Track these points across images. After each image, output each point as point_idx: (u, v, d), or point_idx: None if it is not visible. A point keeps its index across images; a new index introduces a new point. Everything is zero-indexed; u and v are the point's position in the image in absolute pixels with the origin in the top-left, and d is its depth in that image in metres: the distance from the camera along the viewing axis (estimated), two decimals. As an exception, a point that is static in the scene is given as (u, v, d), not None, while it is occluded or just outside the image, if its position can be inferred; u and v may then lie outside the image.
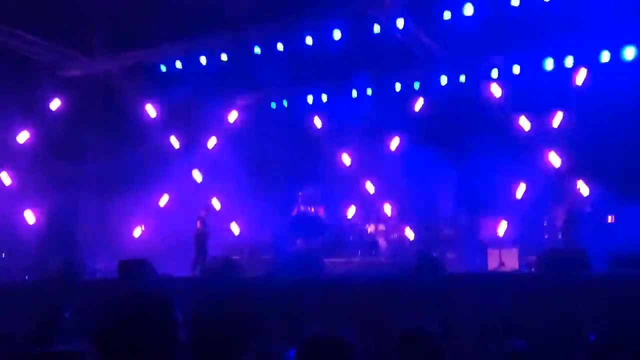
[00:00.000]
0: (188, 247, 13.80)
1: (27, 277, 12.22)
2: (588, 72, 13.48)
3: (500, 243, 12.47)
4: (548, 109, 14.11)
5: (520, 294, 7.20)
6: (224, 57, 14.11)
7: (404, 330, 3.56)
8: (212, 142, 17.02)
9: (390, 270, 12.21)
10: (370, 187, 15.95)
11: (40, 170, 14.45)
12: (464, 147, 13.64)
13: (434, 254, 10.12)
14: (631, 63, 12.87)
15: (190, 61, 14.38)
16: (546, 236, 13.12)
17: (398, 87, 15.63)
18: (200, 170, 16.88)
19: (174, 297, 2.42)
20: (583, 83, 13.54)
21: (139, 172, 15.49)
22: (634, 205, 11.18)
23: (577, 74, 13.59)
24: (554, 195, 13.59)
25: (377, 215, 15.44)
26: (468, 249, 13.42)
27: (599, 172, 12.76)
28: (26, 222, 14.74)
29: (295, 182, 15.80)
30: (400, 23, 12.45)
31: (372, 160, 15.89)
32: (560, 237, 12.77)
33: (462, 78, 14.84)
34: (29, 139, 14.73)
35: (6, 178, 14.55)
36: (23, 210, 14.69)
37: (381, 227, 15.09)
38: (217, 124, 16.72)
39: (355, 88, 15.76)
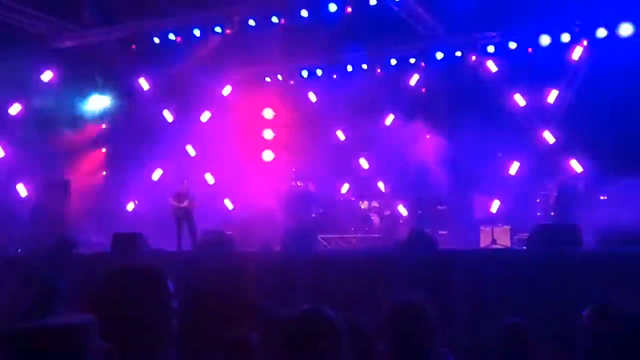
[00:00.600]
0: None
1: (19, 250, 12.21)
2: (584, 48, 13.43)
3: (492, 220, 12.51)
4: (543, 85, 14.08)
5: (512, 270, 7.23)
6: (218, 30, 13.97)
7: (395, 304, 3.55)
8: (205, 116, 16.93)
9: (383, 247, 12.26)
10: (364, 163, 15.94)
11: (33, 143, 14.36)
12: (458, 124, 13.61)
13: (427, 231, 10.13)
14: (627, 39, 12.83)
15: (185, 34, 14.24)
16: (538, 213, 13.16)
17: (393, 62, 15.55)
18: (193, 144, 16.82)
19: (166, 269, 2.42)
20: (579, 60, 13.49)
21: (132, 146, 15.43)
22: (627, 182, 11.21)
23: (573, 50, 13.54)
24: (547, 172, 13.61)
25: (370, 192, 15.46)
26: (461, 226, 13.46)
27: (592, 150, 12.76)
28: (18, 195, 14.68)
29: (290, 157, 15.78)
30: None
31: (366, 136, 15.86)
32: (552, 214, 12.81)
33: (458, 54, 14.77)
34: (20, 111, 14.60)
35: (-1, 150, 14.48)
36: (15, 184, 14.63)
37: (374, 203, 15.11)
38: (211, 98, 16.61)
39: (350, 63, 15.68)
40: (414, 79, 15.57)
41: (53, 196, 14.31)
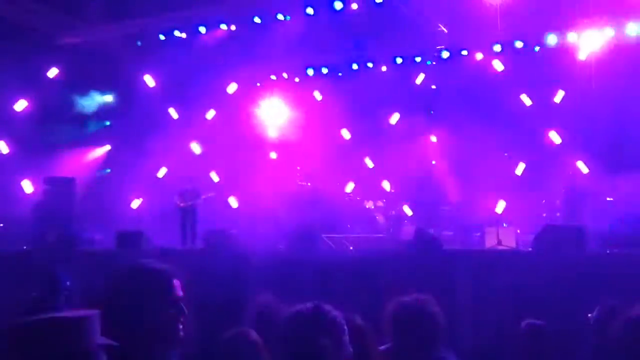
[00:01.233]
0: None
1: (24, 247, 12.22)
2: (590, 48, 13.36)
3: (498, 221, 12.44)
4: (550, 85, 14.02)
5: (517, 271, 7.19)
6: (223, 27, 13.96)
7: (400, 303, 3.52)
8: (211, 113, 16.91)
9: (388, 247, 12.23)
10: (369, 163, 15.90)
11: (38, 140, 14.37)
12: (463, 123, 13.55)
13: (432, 231, 10.10)
14: (635, 39, 12.75)
15: (190, 31, 14.22)
16: (544, 214, 13.09)
17: (399, 61, 15.51)
18: (199, 142, 16.80)
19: (175, 271, 2.40)
20: (586, 60, 13.42)
21: (137, 143, 15.42)
22: (633, 184, 11.14)
23: (580, 50, 13.48)
24: (553, 173, 13.53)
25: (376, 191, 15.41)
26: (466, 226, 13.41)
27: (599, 151, 12.70)
28: (24, 191, 14.70)
29: (295, 156, 15.75)
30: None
31: (371, 135, 15.82)
32: (558, 215, 12.75)
33: (464, 53, 14.73)
34: (26, 107, 14.62)
35: (3, 147, 14.47)
36: (20, 180, 14.64)
37: (379, 203, 15.06)
38: (217, 96, 16.58)
39: (355, 61, 15.63)
40: (419, 78, 15.52)
41: (58, 194, 14.32)
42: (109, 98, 16.23)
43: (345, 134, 16.37)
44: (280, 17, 13.42)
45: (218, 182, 16.50)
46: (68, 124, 15.28)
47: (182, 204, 13.81)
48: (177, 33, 14.36)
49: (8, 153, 14.51)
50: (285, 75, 16.96)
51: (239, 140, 16.02)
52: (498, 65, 14.51)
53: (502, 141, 13.44)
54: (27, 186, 14.75)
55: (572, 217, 11.96)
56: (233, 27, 14.00)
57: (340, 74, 16.37)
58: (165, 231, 13.59)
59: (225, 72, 16.26)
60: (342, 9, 12.78)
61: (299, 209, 14.05)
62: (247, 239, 14.21)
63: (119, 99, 15.89)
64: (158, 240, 11.86)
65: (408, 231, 11.02)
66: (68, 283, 6.72)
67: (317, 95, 16.67)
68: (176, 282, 2.37)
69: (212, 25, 14.02)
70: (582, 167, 13.22)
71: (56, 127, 14.87)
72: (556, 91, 14.02)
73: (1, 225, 14.05)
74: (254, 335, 3.77)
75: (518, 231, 11.93)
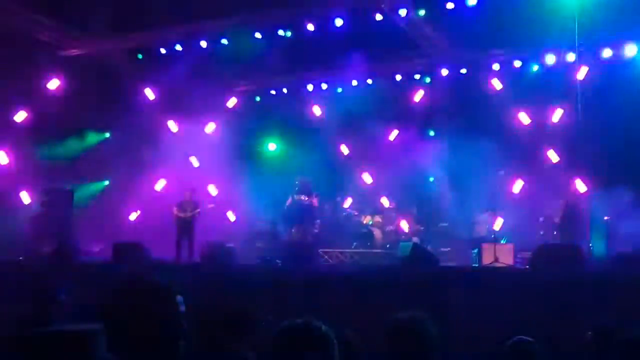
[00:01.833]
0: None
1: (20, 258, 12.19)
2: (589, 68, 13.44)
3: (495, 238, 12.45)
4: (548, 104, 14.09)
5: (514, 289, 7.19)
6: (224, 42, 14.02)
7: (395, 319, 3.52)
8: (210, 127, 16.95)
9: (385, 262, 12.22)
10: (367, 178, 15.93)
11: (37, 151, 14.38)
12: (462, 141, 13.61)
13: (429, 248, 10.11)
14: (632, 60, 12.84)
15: (191, 45, 14.28)
16: (541, 232, 13.11)
17: (398, 77, 15.59)
18: (197, 155, 16.83)
19: (177, 285, 2.39)
20: (584, 79, 13.50)
21: (136, 156, 15.43)
22: (632, 203, 11.17)
23: (578, 70, 13.56)
24: (551, 191, 13.56)
25: (373, 207, 15.42)
26: (463, 243, 13.42)
27: (597, 170, 12.73)
28: (22, 202, 14.68)
29: (293, 170, 15.77)
30: (403, 12, 12.37)
31: (370, 151, 15.86)
32: (556, 234, 12.76)
33: (463, 71, 14.81)
34: (26, 118, 14.63)
35: (3, 157, 14.47)
36: (19, 191, 14.63)
37: (377, 218, 15.07)
38: (216, 110, 16.63)
39: (355, 78, 15.70)
40: (418, 95, 15.59)
41: (57, 206, 14.31)
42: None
43: (344, 149, 16.41)
44: (280, 32, 13.48)
45: (216, 195, 16.51)
46: (68, 136, 15.28)
47: (180, 215, 13.81)
48: (178, 47, 14.42)
49: (7, 164, 14.49)
50: (285, 90, 17.02)
51: (237, 154, 16.05)
52: (497, 84, 14.59)
53: (500, 159, 13.49)
54: (25, 197, 14.74)
55: (569, 235, 11.97)
56: (233, 42, 14.05)
57: (339, 90, 16.43)
58: (162, 244, 13.56)
59: (225, 86, 16.34)
60: (342, 26, 12.84)
61: (296, 223, 14.05)
62: (243, 252, 14.25)
63: (119, 113, 15.91)
64: (156, 253, 11.84)
65: (405, 247, 11.01)
66: (63, 296, 6.71)
67: (317, 111, 16.72)
68: (179, 298, 2.37)
69: (213, 40, 14.07)
70: (580, 185, 13.26)
71: (56, 139, 14.86)
72: (554, 110, 14.09)
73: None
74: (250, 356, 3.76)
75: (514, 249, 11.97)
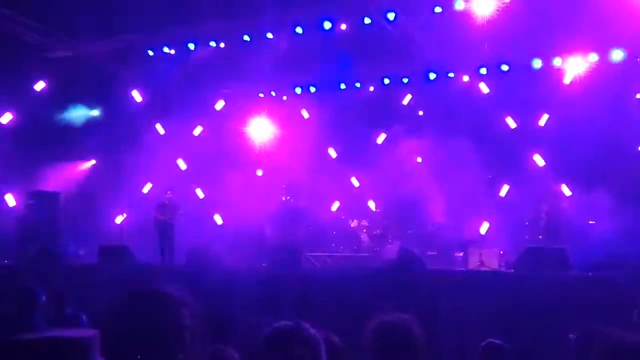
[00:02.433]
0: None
1: (5, 261, 12.13)
2: (575, 73, 13.55)
3: (481, 242, 12.51)
4: (534, 108, 14.18)
5: (499, 292, 7.23)
6: (212, 44, 14.00)
7: (381, 323, 3.53)
8: (197, 130, 16.92)
9: (372, 266, 12.24)
10: (355, 182, 15.95)
11: (23, 153, 14.29)
12: (449, 145, 13.67)
13: (415, 251, 10.13)
14: (618, 65, 12.96)
15: (179, 48, 14.25)
16: (527, 237, 13.17)
17: (386, 81, 15.63)
18: (184, 158, 16.78)
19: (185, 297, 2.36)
20: (570, 83, 13.61)
21: (122, 158, 15.37)
22: (617, 207, 11.26)
23: (564, 74, 13.67)
24: (537, 196, 13.64)
25: (361, 211, 15.45)
26: (449, 247, 13.46)
27: (582, 174, 12.84)
28: (6, 204, 14.58)
29: (280, 173, 15.78)
30: (391, 16, 12.41)
31: (358, 154, 15.88)
32: (540, 237, 12.83)
33: (451, 75, 14.87)
34: (11, 120, 14.54)
35: (-12, 159, 14.37)
36: (4, 193, 14.53)
37: (364, 222, 15.09)
38: (204, 112, 16.60)
39: (343, 81, 15.73)
40: (406, 99, 15.64)
41: (42, 208, 14.22)
42: (95, 112, 16.18)
43: (332, 152, 16.43)
44: (269, 35, 13.49)
45: (203, 198, 16.48)
46: (54, 138, 15.19)
47: (160, 217, 13.72)
48: (165, 49, 14.38)
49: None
50: (273, 93, 17.02)
51: (225, 157, 16.02)
52: (484, 88, 14.67)
53: (486, 163, 13.55)
54: (10, 200, 14.64)
55: (554, 239, 12.04)
56: (222, 45, 14.04)
57: (327, 93, 16.45)
58: (148, 247, 13.52)
59: (213, 89, 16.32)
60: (330, 29, 12.87)
61: (283, 226, 14.06)
62: (230, 255, 14.20)
63: (106, 114, 15.85)
64: (141, 256, 11.80)
65: (392, 250, 11.03)
66: (44, 298, 6.67)
67: (305, 114, 16.73)
68: (184, 311, 2.32)
69: (201, 42, 14.05)
70: (565, 189, 13.34)
71: (41, 141, 14.77)
72: (541, 114, 14.18)
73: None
74: (233, 354, 3.76)
75: (501, 252, 12.02)
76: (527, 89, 13.96)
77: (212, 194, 16.38)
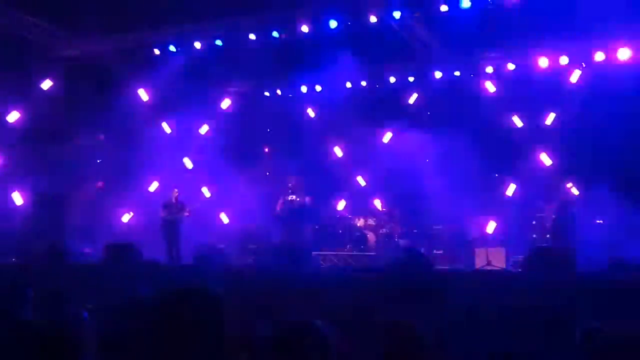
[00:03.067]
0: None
1: (13, 259, 12.15)
2: (582, 71, 13.48)
3: (488, 242, 12.49)
4: (541, 107, 14.12)
5: (506, 292, 7.19)
6: (218, 43, 13.99)
7: (388, 323, 3.52)
8: (204, 129, 16.92)
9: (378, 265, 12.21)
10: (361, 181, 15.93)
11: (30, 152, 14.32)
12: (455, 143, 13.64)
13: (422, 250, 10.12)
14: (625, 64, 12.88)
15: (185, 46, 14.24)
16: (534, 236, 13.14)
17: (392, 80, 15.58)
18: (191, 157, 16.79)
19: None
20: (577, 82, 13.54)
21: (129, 157, 15.39)
22: (624, 206, 11.21)
23: (571, 73, 13.60)
24: (544, 195, 13.60)
25: (367, 209, 15.44)
26: (456, 246, 13.43)
27: (589, 173, 12.78)
28: (14, 203, 14.62)
29: (286, 172, 15.76)
30: (397, 14, 12.37)
31: (364, 153, 15.87)
32: (548, 237, 12.79)
33: (457, 73, 14.81)
34: (19, 119, 14.57)
35: (-5, 158, 14.41)
36: (10, 192, 14.57)
37: (370, 221, 15.07)
38: (210, 111, 16.61)
39: (349, 79, 15.70)
40: (412, 98, 15.59)
41: (48, 207, 14.26)
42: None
43: (338, 151, 16.41)
44: (275, 34, 13.46)
45: (209, 197, 16.49)
46: (61, 136, 15.22)
47: (166, 216, 13.76)
48: (171, 48, 14.38)
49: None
50: (279, 91, 17.01)
51: (231, 155, 16.02)
52: (490, 87, 14.61)
53: (493, 162, 13.52)
54: (17, 198, 14.68)
55: (561, 239, 12.00)
56: (228, 43, 14.02)
57: (333, 92, 16.40)
58: (155, 245, 13.54)
59: (219, 87, 16.32)
60: (336, 28, 12.83)
61: (289, 225, 14.05)
62: (237, 254, 14.22)
63: (112, 113, 15.87)
64: (148, 254, 11.80)
65: (398, 249, 11.02)
66: (32, 292, 6.70)
67: (310, 113, 16.71)
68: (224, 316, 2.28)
69: (207, 41, 14.03)
70: (573, 189, 13.30)
71: (49, 139, 14.81)
72: (548, 113, 14.12)
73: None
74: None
75: (508, 252, 11.99)
76: (534, 87, 13.91)
77: (219, 192, 16.39)
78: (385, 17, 12.51)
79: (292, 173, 14.50)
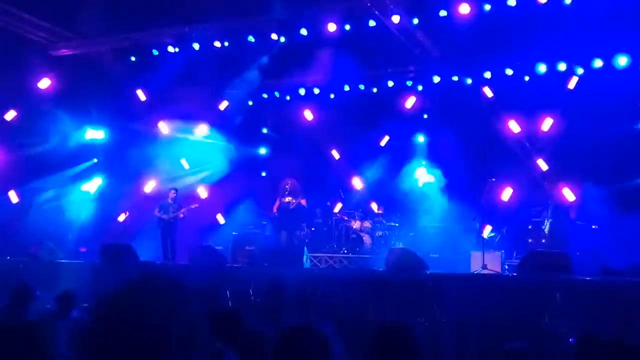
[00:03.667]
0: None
1: (8, 257, 12.15)
2: (580, 78, 13.52)
3: (484, 245, 12.49)
4: (538, 113, 14.15)
5: (501, 296, 7.22)
6: (217, 44, 14.01)
7: (382, 324, 3.53)
8: (201, 129, 16.91)
9: (373, 267, 12.23)
10: (357, 183, 15.95)
11: (27, 150, 14.31)
12: (452, 148, 13.67)
13: (417, 253, 10.12)
14: (623, 70, 12.93)
15: (183, 47, 14.25)
16: (530, 240, 13.15)
17: (390, 84, 15.61)
18: (188, 158, 16.79)
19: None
20: (575, 88, 13.58)
21: (126, 157, 15.39)
22: (619, 211, 11.25)
23: (569, 79, 13.64)
24: (540, 200, 13.63)
25: (363, 212, 15.44)
26: (452, 250, 13.44)
27: (585, 179, 12.81)
28: (10, 202, 14.61)
29: (283, 174, 15.78)
30: (395, 19, 12.40)
31: (361, 156, 15.89)
32: (544, 242, 12.81)
33: (455, 78, 14.84)
34: (15, 117, 14.57)
35: (-9, 156, 14.40)
36: (7, 190, 14.56)
37: (366, 223, 15.08)
38: (207, 112, 16.60)
39: (347, 83, 15.73)
40: (410, 102, 15.61)
41: (44, 206, 14.26)
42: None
43: (335, 154, 16.42)
44: (274, 36, 13.48)
45: (205, 198, 16.48)
46: (58, 136, 15.21)
47: (162, 217, 13.78)
48: (170, 48, 14.39)
49: (-5, 162, 14.42)
50: (276, 93, 17.02)
51: (228, 156, 16.04)
52: (488, 92, 14.64)
53: (490, 166, 13.54)
54: (13, 197, 14.66)
55: (557, 243, 12.03)
56: (226, 44, 14.04)
57: (332, 95, 16.43)
58: (151, 245, 13.56)
59: (217, 88, 16.31)
60: (335, 31, 12.86)
61: (285, 227, 14.06)
62: (233, 255, 14.23)
63: (110, 113, 15.87)
64: (144, 255, 11.81)
65: (394, 252, 11.01)
66: (38, 293, 6.73)
67: (308, 115, 16.73)
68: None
69: (205, 42, 14.05)
70: (568, 194, 13.33)
71: (46, 138, 14.79)
72: (544, 119, 14.16)
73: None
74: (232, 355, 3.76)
75: (503, 256, 12.01)
76: (531, 93, 13.94)
77: (215, 193, 16.39)
78: (384, 22, 12.54)
79: (289, 175, 14.51)
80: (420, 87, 15.48)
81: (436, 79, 14.96)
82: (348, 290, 7.84)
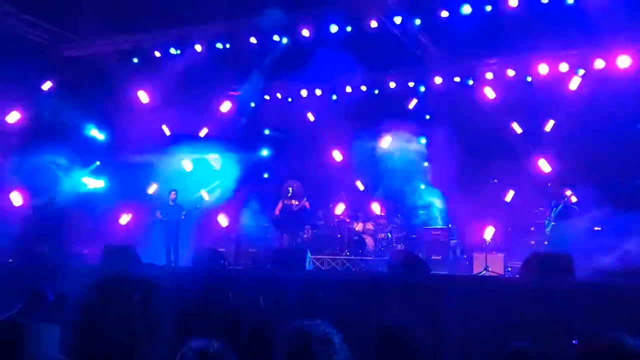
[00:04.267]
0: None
1: (10, 260, 12.14)
2: (582, 78, 13.51)
3: (486, 247, 12.49)
4: (540, 114, 14.15)
5: (503, 298, 7.20)
6: (219, 46, 14.01)
7: (385, 326, 3.54)
8: (203, 131, 16.93)
9: (376, 269, 12.23)
10: (359, 185, 15.95)
11: (30, 152, 14.32)
12: (454, 149, 13.66)
13: (420, 255, 10.13)
14: (624, 71, 12.92)
15: (185, 49, 14.26)
16: (532, 242, 13.15)
17: (392, 85, 15.61)
18: (190, 159, 16.80)
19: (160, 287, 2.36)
20: (576, 89, 13.57)
21: (129, 159, 15.40)
22: (622, 213, 11.22)
23: (570, 80, 13.63)
24: (542, 201, 13.62)
25: (365, 214, 15.45)
26: (454, 251, 13.45)
27: (588, 180, 12.80)
28: (12, 203, 14.61)
29: (285, 175, 15.80)
30: (397, 20, 12.40)
31: (363, 157, 15.89)
32: (546, 243, 12.81)
33: (457, 79, 14.84)
34: (19, 119, 14.58)
35: (-6, 158, 14.40)
36: (9, 192, 14.56)
37: (369, 225, 15.09)
38: (210, 114, 16.62)
39: (349, 84, 15.73)
40: (412, 103, 15.62)
41: (47, 208, 14.26)
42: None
43: (337, 155, 16.43)
44: (276, 38, 13.49)
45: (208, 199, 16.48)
46: (61, 137, 15.22)
47: (165, 218, 13.79)
48: (172, 50, 14.40)
49: (-1, 165, 14.43)
50: (278, 95, 17.03)
51: (230, 158, 16.05)
52: (490, 93, 14.64)
53: (492, 168, 13.54)
54: (16, 198, 14.67)
55: (559, 245, 12.01)
56: (228, 46, 14.04)
57: (334, 97, 16.44)
58: (153, 247, 13.56)
59: (219, 90, 16.33)
60: (336, 32, 12.86)
61: (287, 229, 14.06)
62: (235, 257, 14.22)
63: (112, 115, 15.87)
64: (146, 257, 11.81)
65: (396, 254, 11.01)
66: (51, 298, 6.71)
67: (310, 117, 16.73)
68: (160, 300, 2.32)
69: (207, 43, 14.06)
70: (571, 196, 13.32)
71: (49, 140, 14.80)
72: (547, 120, 14.15)
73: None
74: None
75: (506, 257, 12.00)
76: (533, 94, 13.94)
77: (218, 195, 16.39)
78: (386, 23, 12.54)
79: (292, 177, 14.52)
80: (422, 88, 15.49)
81: (438, 80, 14.96)
82: (350, 292, 7.83)
